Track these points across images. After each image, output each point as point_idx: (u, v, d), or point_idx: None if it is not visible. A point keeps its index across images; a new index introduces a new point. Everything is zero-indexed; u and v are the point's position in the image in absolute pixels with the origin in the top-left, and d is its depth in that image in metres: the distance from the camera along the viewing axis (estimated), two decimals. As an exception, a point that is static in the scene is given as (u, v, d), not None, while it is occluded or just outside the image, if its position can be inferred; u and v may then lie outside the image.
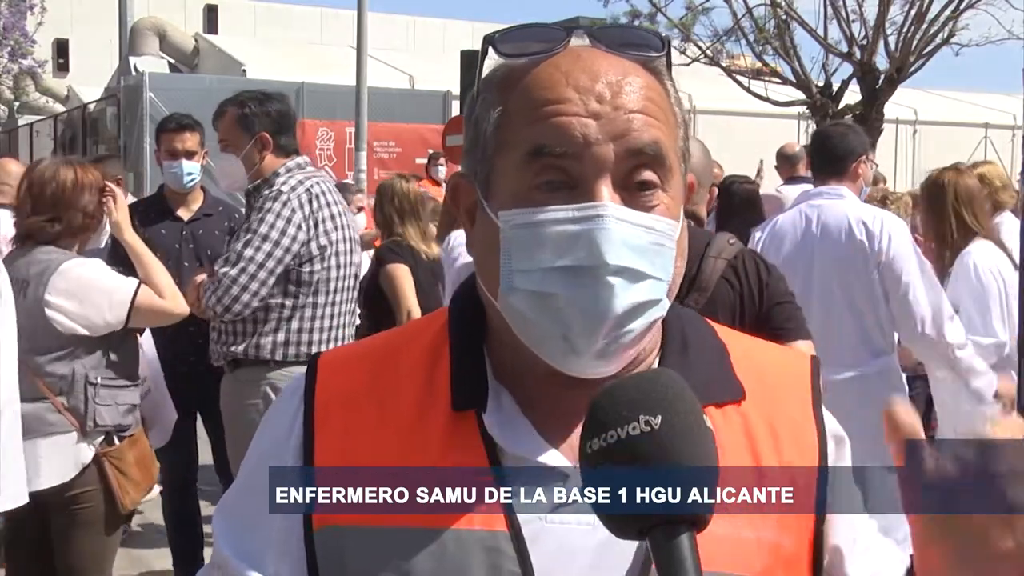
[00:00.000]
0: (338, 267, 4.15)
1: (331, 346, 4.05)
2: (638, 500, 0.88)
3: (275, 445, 1.17)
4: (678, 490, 0.87)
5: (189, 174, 5.06)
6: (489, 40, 1.15)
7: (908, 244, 4.22)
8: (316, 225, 4.07)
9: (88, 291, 3.62)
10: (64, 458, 3.63)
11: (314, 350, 4.05)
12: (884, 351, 4.27)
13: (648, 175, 1.08)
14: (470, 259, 1.19)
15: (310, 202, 4.08)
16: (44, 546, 3.77)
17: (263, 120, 4.27)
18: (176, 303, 3.80)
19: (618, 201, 1.07)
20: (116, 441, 3.72)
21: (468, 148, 1.17)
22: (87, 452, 3.66)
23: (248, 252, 3.98)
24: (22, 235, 3.72)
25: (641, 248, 1.07)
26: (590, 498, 0.91)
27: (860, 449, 4.26)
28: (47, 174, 3.70)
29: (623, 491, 0.88)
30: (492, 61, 1.16)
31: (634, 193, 1.08)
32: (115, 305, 3.65)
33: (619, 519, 0.90)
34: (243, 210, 4.97)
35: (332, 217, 4.13)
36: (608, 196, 1.06)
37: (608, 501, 0.90)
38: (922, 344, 4.25)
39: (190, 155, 5.07)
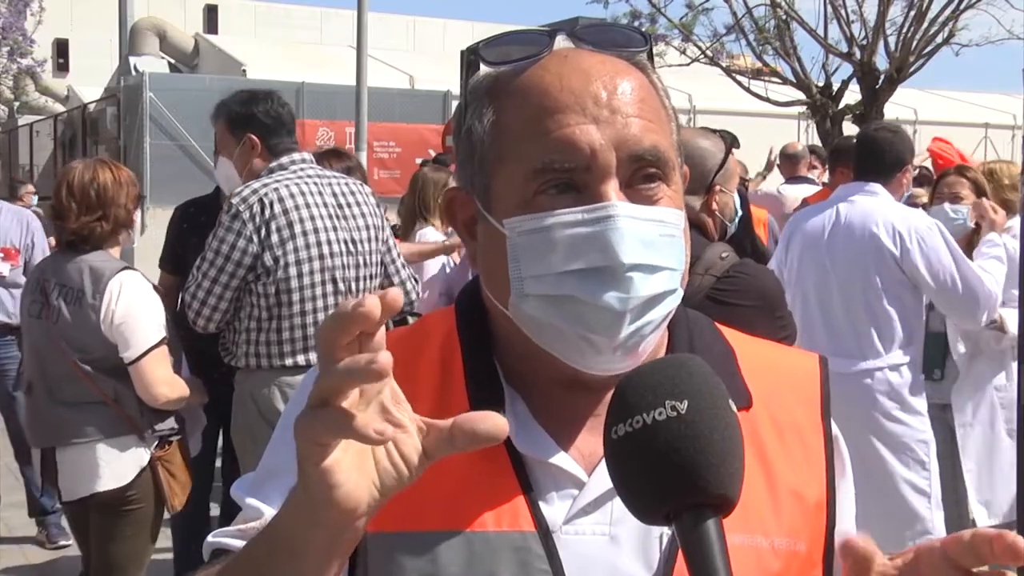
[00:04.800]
0: (300, 276, 3.94)
1: (310, 355, 3.97)
2: (664, 486, 0.87)
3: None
4: (705, 475, 0.86)
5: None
6: (473, 50, 1.15)
7: (940, 242, 4.28)
8: (268, 236, 3.89)
9: (129, 313, 3.71)
10: (124, 461, 3.75)
11: (287, 362, 3.96)
12: (903, 344, 4.34)
13: (650, 171, 1.10)
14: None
15: (262, 212, 3.90)
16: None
17: (250, 122, 4.16)
18: (167, 390, 3.76)
19: (624, 199, 1.07)
20: (167, 445, 3.83)
21: (463, 160, 1.17)
22: (144, 455, 3.77)
23: (203, 268, 3.90)
24: (73, 239, 3.78)
25: (653, 242, 1.07)
26: (615, 484, 0.91)
27: (872, 436, 4.26)
28: (87, 176, 3.78)
29: (649, 476, 0.87)
30: (478, 70, 1.16)
31: (638, 189, 1.09)
32: (134, 343, 3.71)
33: (645, 504, 0.89)
34: None
35: (290, 224, 3.92)
36: (616, 196, 1.06)
37: (634, 487, 0.89)
38: (972, 326, 4.43)
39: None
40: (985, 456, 4.71)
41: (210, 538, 1.16)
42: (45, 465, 3.85)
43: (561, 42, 1.14)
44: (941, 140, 8.56)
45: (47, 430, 3.84)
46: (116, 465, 3.73)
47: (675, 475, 0.87)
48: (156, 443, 3.80)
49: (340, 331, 0.81)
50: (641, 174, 1.09)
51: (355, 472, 0.86)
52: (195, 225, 4.85)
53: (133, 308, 3.71)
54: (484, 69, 1.15)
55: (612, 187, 1.07)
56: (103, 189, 3.77)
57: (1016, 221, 4.98)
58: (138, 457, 3.76)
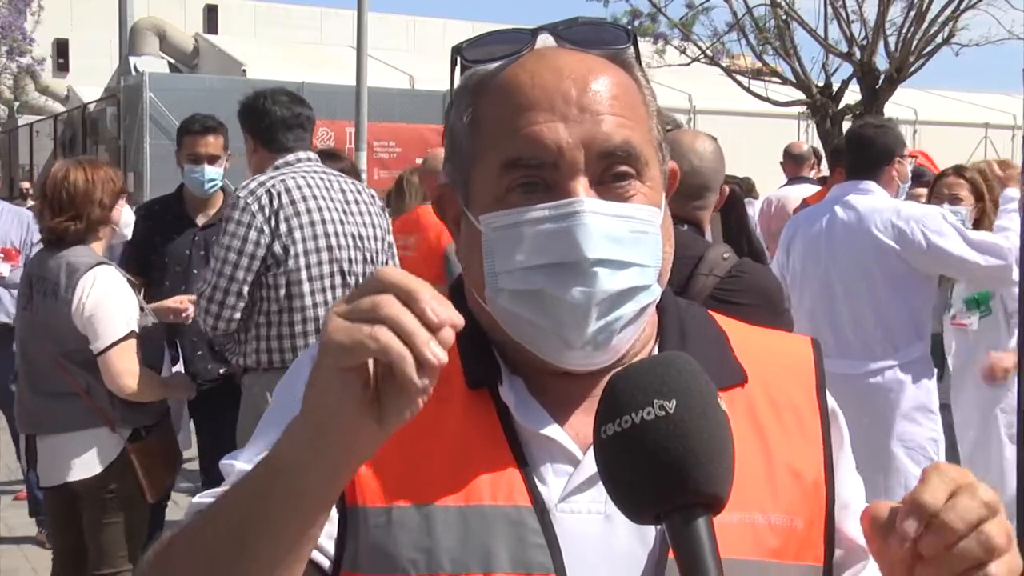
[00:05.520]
0: (308, 266, 3.93)
1: None
2: (653, 485, 0.87)
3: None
4: (694, 474, 0.86)
5: (211, 180, 4.84)
6: (457, 50, 1.16)
7: (942, 223, 4.24)
8: (277, 225, 3.89)
9: (99, 305, 3.77)
10: (94, 452, 3.83)
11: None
12: (910, 342, 4.30)
13: (622, 168, 1.10)
14: None
15: (270, 202, 3.90)
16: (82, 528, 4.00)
17: (246, 120, 4.22)
18: (132, 382, 3.79)
19: (593, 196, 1.08)
20: (143, 435, 3.90)
21: (448, 157, 1.19)
22: (116, 447, 3.85)
23: (218, 267, 3.88)
24: (50, 238, 3.92)
25: (621, 238, 1.08)
26: (605, 483, 0.91)
27: (882, 436, 4.22)
28: (59, 176, 3.89)
29: (639, 476, 0.87)
30: (466, 70, 1.17)
31: (609, 186, 1.09)
32: (102, 335, 3.77)
33: (635, 504, 0.89)
34: None
35: (297, 214, 3.92)
36: (583, 192, 1.07)
37: (624, 486, 0.89)
38: (1008, 285, 4.36)
39: (213, 160, 4.84)
40: (980, 460, 4.70)
41: (195, 499, 1.15)
42: (28, 451, 3.97)
43: (545, 41, 1.15)
44: (922, 153, 8.57)
45: (29, 419, 3.96)
46: (87, 455, 3.82)
47: (664, 474, 0.86)
48: (130, 435, 3.86)
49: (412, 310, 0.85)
50: (612, 171, 1.09)
51: (361, 394, 0.87)
52: (159, 224, 4.87)
53: (103, 301, 3.77)
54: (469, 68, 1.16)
55: (580, 184, 1.07)
56: (73, 189, 3.85)
57: (1015, 221, 4.97)
58: (109, 448, 3.83)
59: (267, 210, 3.89)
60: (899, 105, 19.03)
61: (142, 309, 3.94)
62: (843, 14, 15.79)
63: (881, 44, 15.60)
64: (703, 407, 0.89)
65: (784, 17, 15.99)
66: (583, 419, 1.12)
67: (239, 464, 1.15)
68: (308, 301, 3.94)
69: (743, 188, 7.64)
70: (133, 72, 20.30)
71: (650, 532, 1.08)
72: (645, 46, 17.51)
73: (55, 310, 3.78)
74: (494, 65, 1.14)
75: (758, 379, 1.18)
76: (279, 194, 3.92)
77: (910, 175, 4.81)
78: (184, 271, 4.82)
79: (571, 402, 1.14)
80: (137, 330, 3.83)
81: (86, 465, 3.82)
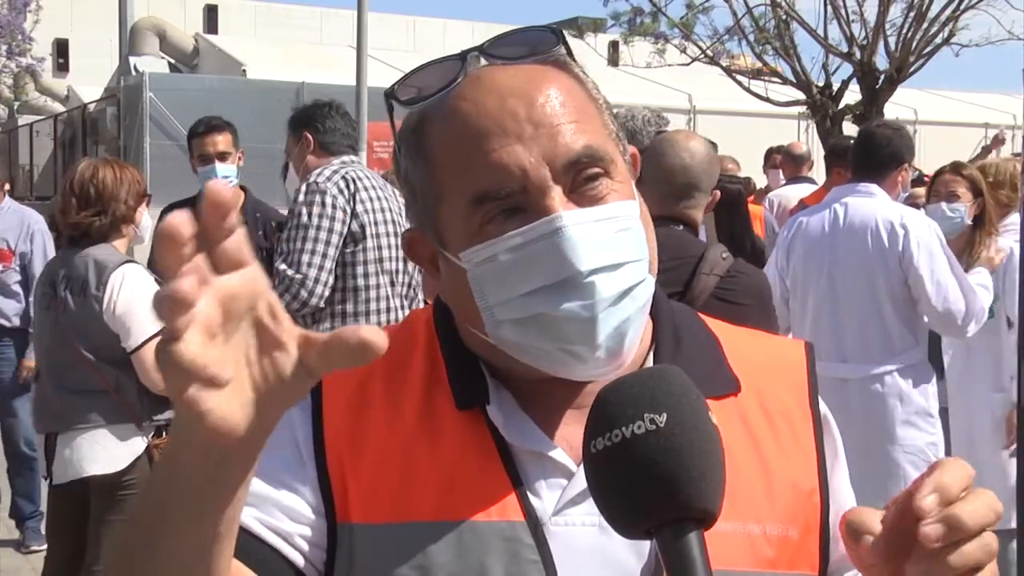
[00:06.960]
0: (378, 247, 4.22)
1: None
2: (644, 500, 0.86)
3: (286, 431, 1.10)
4: (686, 488, 0.85)
5: (225, 177, 4.95)
6: (390, 95, 1.13)
7: (935, 242, 4.23)
8: (355, 206, 4.19)
9: (131, 303, 3.82)
10: (119, 448, 3.87)
11: None
12: (909, 347, 4.29)
13: (590, 171, 1.08)
14: None
15: (347, 187, 4.19)
16: (84, 528, 3.99)
17: (307, 122, 4.49)
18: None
19: (571, 205, 1.06)
20: (164, 434, 3.93)
21: (408, 203, 1.17)
22: (140, 444, 3.89)
23: (309, 246, 4.08)
24: (75, 234, 3.95)
25: (609, 241, 1.06)
26: (595, 498, 0.90)
27: (881, 440, 4.25)
28: (87, 174, 3.95)
29: (629, 491, 0.86)
30: (402, 111, 1.14)
31: (581, 192, 1.07)
32: (135, 332, 3.81)
33: (626, 519, 0.88)
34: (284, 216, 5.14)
35: (370, 199, 4.24)
36: (560, 205, 1.05)
37: (614, 501, 0.89)
38: (957, 335, 4.39)
39: (223, 157, 5.01)
40: (970, 460, 4.70)
41: None
42: (48, 451, 3.95)
43: (475, 63, 1.11)
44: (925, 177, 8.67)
45: (51, 416, 3.96)
46: (113, 451, 3.85)
47: (655, 489, 0.86)
48: (153, 432, 3.91)
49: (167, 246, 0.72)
50: (583, 176, 1.07)
51: (226, 392, 0.76)
52: None
53: (134, 299, 3.81)
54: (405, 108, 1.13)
55: (554, 200, 1.05)
56: (102, 186, 3.91)
57: (1016, 219, 4.96)
58: (134, 444, 3.87)
59: (345, 192, 4.19)
60: (899, 105, 19.03)
61: None
62: (843, 14, 15.79)
63: (881, 44, 15.60)
64: (694, 421, 0.88)
65: (784, 17, 15.99)
66: (576, 431, 1.09)
67: None
68: (383, 280, 4.23)
69: (745, 188, 7.65)
70: (133, 72, 20.29)
71: (645, 543, 1.07)
72: (645, 45, 17.56)
73: (85, 307, 3.81)
74: (429, 102, 1.11)
75: (751, 386, 1.17)
76: (352, 180, 4.23)
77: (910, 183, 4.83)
78: None
79: (562, 411, 1.13)
80: None
81: (111, 460, 3.85)
